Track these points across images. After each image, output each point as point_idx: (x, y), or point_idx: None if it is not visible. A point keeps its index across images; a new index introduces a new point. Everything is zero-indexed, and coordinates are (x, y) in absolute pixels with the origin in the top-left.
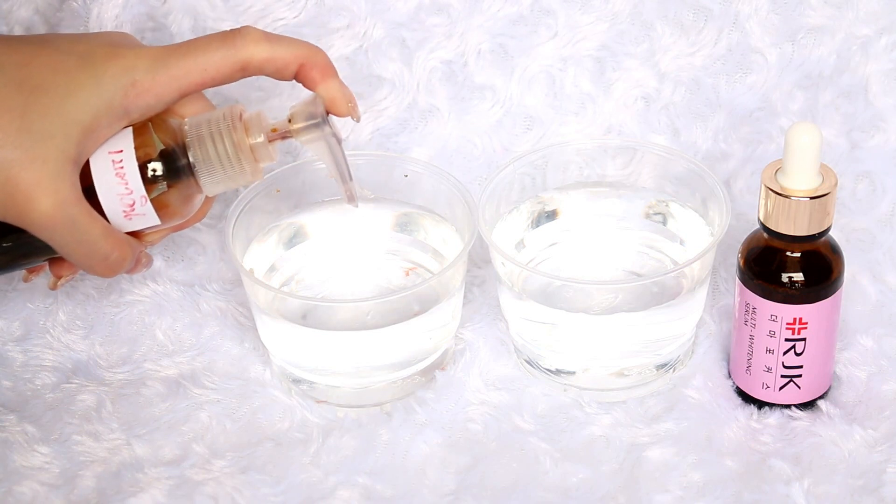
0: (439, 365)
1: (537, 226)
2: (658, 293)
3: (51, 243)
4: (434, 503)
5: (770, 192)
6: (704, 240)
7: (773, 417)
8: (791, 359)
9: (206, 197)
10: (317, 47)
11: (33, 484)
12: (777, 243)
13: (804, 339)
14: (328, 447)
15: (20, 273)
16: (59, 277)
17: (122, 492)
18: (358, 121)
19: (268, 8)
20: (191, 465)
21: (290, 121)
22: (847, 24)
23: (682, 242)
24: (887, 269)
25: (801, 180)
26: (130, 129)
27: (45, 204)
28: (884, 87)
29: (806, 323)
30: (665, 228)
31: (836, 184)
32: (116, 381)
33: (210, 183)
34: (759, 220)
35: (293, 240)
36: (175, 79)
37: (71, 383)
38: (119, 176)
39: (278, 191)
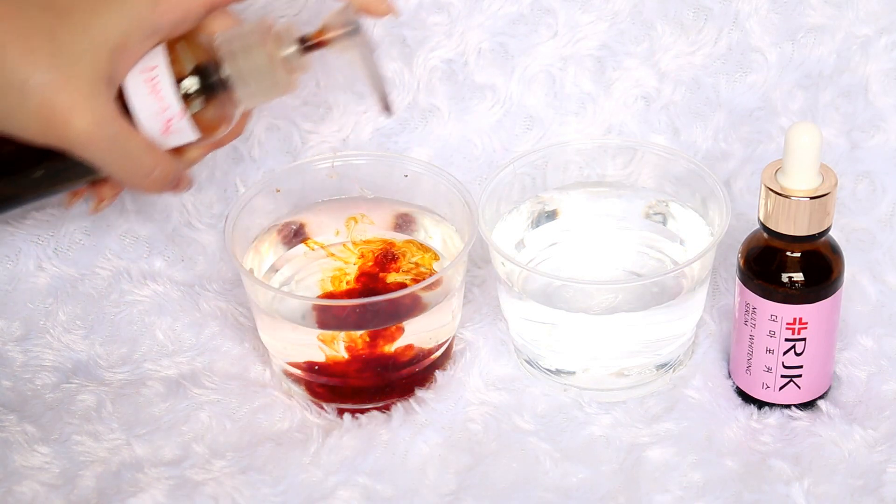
0: (439, 365)
1: (537, 226)
2: (658, 293)
3: (93, 162)
4: (434, 503)
5: (770, 192)
6: (704, 240)
7: (773, 417)
8: (791, 359)
9: (243, 112)
10: None
11: (33, 484)
12: (777, 243)
13: (804, 339)
14: (328, 447)
15: (21, 275)
16: (102, 200)
17: (122, 492)
18: (397, 16)
19: (269, 5)
20: (191, 465)
21: (323, 31)
22: (847, 23)
23: (682, 242)
24: (887, 269)
25: (801, 180)
26: (163, 45)
27: (84, 123)
28: (884, 87)
29: (806, 323)
30: (665, 228)
31: (836, 184)
32: (116, 381)
33: (246, 96)
34: (759, 220)
35: (293, 239)
36: None
37: (71, 383)
38: (154, 93)
39: (278, 191)
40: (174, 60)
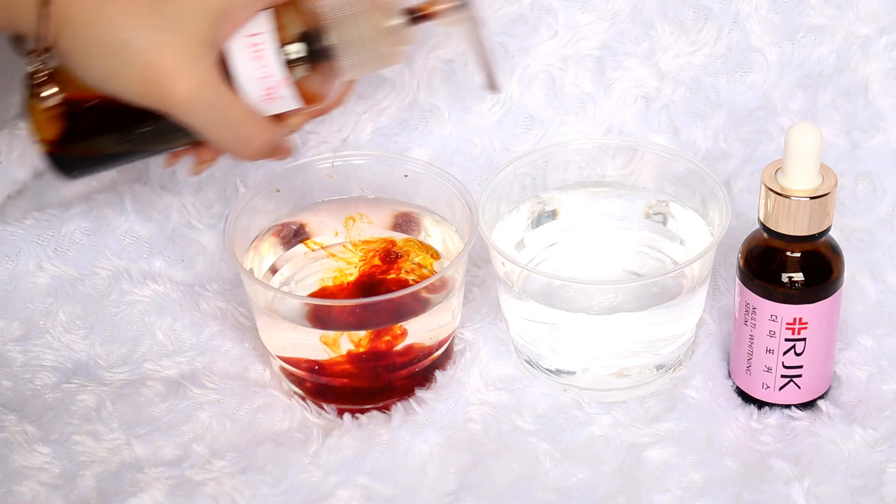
0: (439, 365)
1: (537, 226)
2: (658, 293)
3: (193, 126)
4: (434, 503)
5: (770, 192)
6: (704, 240)
7: (773, 417)
8: (791, 359)
9: (348, 81)
10: None
11: (33, 484)
12: (777, 243)
13: (804, 339)
14: (328, 447)
15: (21, 275)
16: (202, 163)
17: (122, 492)
18: None
19: None
20: (191, 465)
21: (431, 3)
22: (847, 23)
23: (682, 242)
24: (887, 269)
25: (801, 180)
26: (269, 11)
27: (186, 86)
28: (884, 86)
29: (806, 323)
30: (665, 228)
31: (836, 184)
32: (116, 381)
33: (350, 66)
34: (759, 220)
35: (293, 240)
36: None
37: (71, 383)
38: (258, 59)
39: (278, 190)
40: (280, 26)
